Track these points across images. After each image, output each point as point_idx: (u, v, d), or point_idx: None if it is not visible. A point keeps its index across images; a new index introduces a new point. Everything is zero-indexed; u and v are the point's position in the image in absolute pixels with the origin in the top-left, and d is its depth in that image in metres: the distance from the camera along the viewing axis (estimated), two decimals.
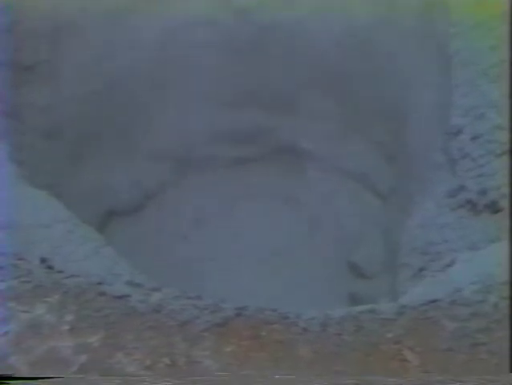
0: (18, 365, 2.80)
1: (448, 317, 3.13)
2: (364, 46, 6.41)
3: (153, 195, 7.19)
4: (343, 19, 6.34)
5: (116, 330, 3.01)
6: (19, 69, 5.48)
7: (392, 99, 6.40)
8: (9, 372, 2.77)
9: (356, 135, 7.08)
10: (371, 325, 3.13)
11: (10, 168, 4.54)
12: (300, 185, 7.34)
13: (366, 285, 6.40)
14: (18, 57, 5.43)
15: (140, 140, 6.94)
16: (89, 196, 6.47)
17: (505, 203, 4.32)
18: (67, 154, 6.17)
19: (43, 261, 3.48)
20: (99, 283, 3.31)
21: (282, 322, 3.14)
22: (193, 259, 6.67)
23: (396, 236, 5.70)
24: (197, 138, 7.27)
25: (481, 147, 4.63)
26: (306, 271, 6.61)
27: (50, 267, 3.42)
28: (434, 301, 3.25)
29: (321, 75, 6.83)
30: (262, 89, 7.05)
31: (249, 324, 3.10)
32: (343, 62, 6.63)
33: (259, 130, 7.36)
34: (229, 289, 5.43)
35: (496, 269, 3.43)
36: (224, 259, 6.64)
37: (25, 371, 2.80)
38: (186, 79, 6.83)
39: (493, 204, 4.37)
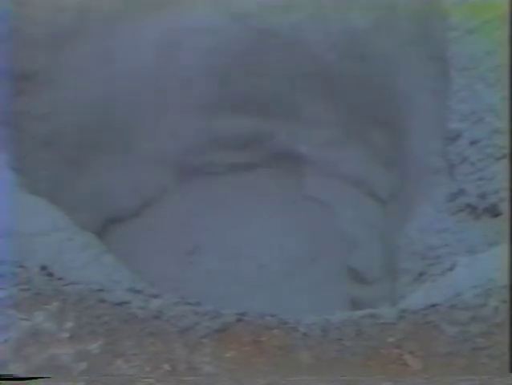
0: (18, 372, 2.79)
1: (448, 321, 3.12)
2: (362, 52, 6.42)
3: (152, 201, 7.19)
4: (341, 24, 6.36)
5: (116, 336, 3.00)
6: (18, 77, 5.48)
7: (391, 104, 6.40)
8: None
9: (355, 140, 7.08)
10: (372, 329, 3.12)
11: (9, 176, 4.54)
12: (299, 191, 7.35)
13: (366, 290, 6.39)
14: (16, 65, 5.44)
15: (138, 147, 6.95)
16: (89, 202, 6.47)
17: (504, 207, 4.31)
18: (67, 161, 6.17)
19: (43, 268, 3.48)
20: (99, 290, 3.30)
21: (283, 328, 3.13)
22: (190, 264, 6.68)
23: (395, 240, 5.69)
24: (195, 144, 7.27)
25: (480, 151, 4.63)
26: (306, 276, 6.60)
27: (49, 274, 3.41)
28: (434, 305, 3.25)
29: (319, 80, 6.85)
30: (261, 94, 7.06)
31: (250, 329, 3.09)
32: (341, 68, 6.64)
33: (258, 135, 7.37)
34: (230, 294, 5.44)
35: (496, 273, 3.42)
36: (224, 265, 6.64)
37: None
38: (185, 85, 6.84)
39: (492, 207, 4.36)
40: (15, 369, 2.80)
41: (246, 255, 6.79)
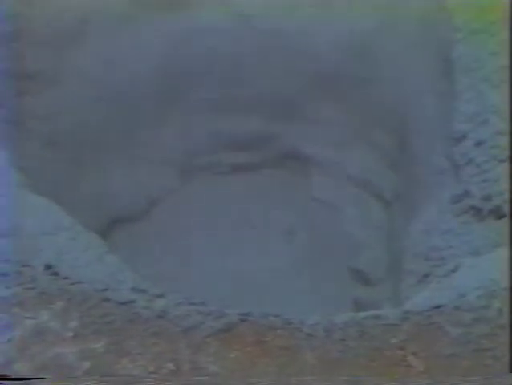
0: (23, 371, 2.80)
1: (452, 322, 3.12)
2: (366, 53, 6.43)
3: (156, 202, 7.19)
4: (345, 25, 6.36)
5: (120, 336, 3.01)
6: (21, 77, 5.49)
7: (395, 105, 6.40)
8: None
9: (359, 141, 7.08)
10: (375, 330, 3.12)
11: (12, 176, 4.55)
12: (305, 192, 7.35)
13: (370, 291, 6.39)
14: (20, 65, 5.45)
15: (142, 147, 6.95)
16: (92, 202, 6.47)
17: (508, 209, 4.31)
18: (70, 161, 6.18)
19: (48, 267, 3.48)
20: (104, 289, 3.31)
21: (286, 328, 3.13)
22: (196, 264, 6.68)
23: (399, 241, 5.69)
24: (200, 145, 7.28)
25: (485, 152, 4.63)
26: (310, 277, 6.59)
27: (54, 274, 3.42)
28: (438, 306, 3.25)
29: (323, 81, 6.85)
30: (265, 95, 7.06)
31: (254, 330, 3.10)
32: (345, 69, 6.64)
33: (263, 136, 7.37)
34: (234, 294, 5.43)
35: (500, 275, 3.42)
36: (229, 264, 6.63)
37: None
38: (189, 86, 6.85)
39: (497, 209, 4.36)
40: (19, 368, 2.81)
41: (248, 255, 6.79)
